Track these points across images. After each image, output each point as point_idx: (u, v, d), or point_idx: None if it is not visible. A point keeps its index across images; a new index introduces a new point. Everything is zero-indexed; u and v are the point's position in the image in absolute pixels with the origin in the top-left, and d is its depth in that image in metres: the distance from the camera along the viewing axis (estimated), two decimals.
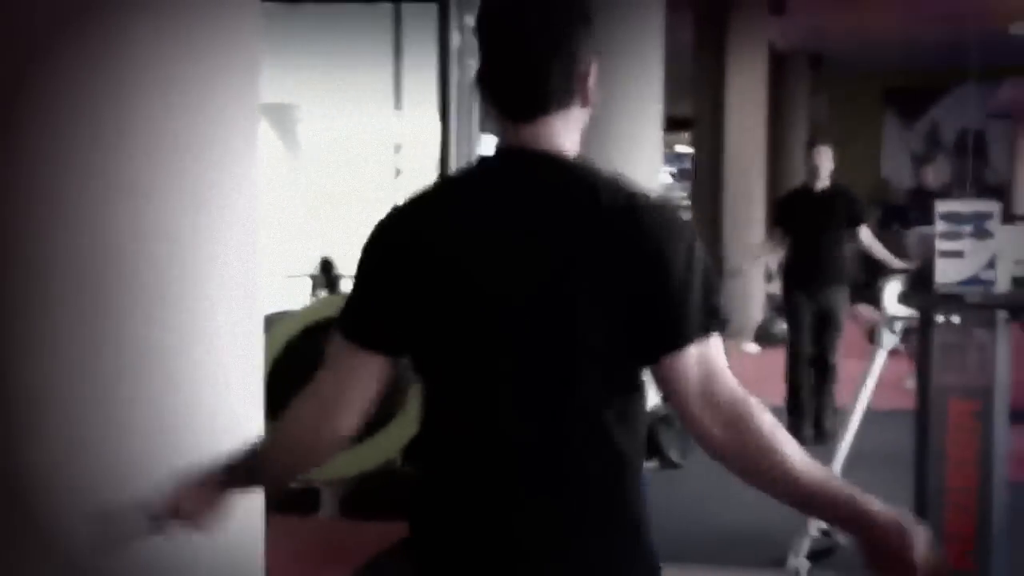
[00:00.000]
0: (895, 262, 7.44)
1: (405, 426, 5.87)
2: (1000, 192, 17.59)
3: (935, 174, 13.62)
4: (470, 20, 4.79)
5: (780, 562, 5.04)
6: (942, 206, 4.87)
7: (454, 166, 4.70)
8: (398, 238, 2.04)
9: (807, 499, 1.91)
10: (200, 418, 3.13)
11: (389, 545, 5.57)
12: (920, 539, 1.87)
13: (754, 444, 1.89)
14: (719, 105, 11.73)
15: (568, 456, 1.97)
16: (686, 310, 1.92)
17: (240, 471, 2.19)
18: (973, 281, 4.78)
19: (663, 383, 1.95)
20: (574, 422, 1.97)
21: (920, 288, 4.92)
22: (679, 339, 1.91)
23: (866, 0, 12.35)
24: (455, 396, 2.03)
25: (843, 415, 5.40)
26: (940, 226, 4.79)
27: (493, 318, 1.97)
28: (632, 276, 1.92)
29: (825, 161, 7.81)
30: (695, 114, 12.61)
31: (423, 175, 11.47)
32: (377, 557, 5.50)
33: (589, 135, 2.12)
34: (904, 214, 11.64)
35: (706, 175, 11.90)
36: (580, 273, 1.93)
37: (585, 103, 2.05)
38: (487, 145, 5.37)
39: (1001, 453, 4.83)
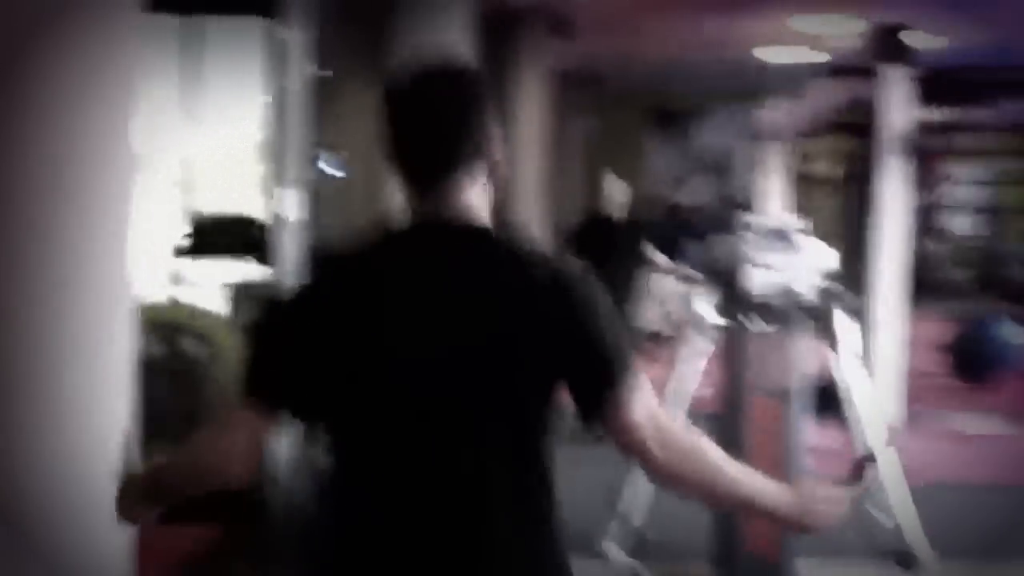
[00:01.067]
0: (688, 273, 7.90)
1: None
2: (751, 208, 18.58)
3: (688, 192, 14.41)
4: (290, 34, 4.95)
5: (593, 553, 5.36)
6: (754, 221, 5.30)
7: (286, 177, 4.87)
8: (315, 303, 2.11)
9: (745, 506, 2.15)
10: (74, 416, 3.19)
11: (195, 548, 5.67)
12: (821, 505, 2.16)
13: (705, 468, 2.09)
14: (504, 123, 12.09)
15: (488, 512, 2.08)
16: (621, 362, 2.09)
17: (133, 483, 2.22)
18: (780, 290, 5.22)
19: (616, 429, 2.09)
20: (495, 485, 2.07)
21: (731, 296, 5.32)
22: (621, 385, 2.08)
23: (635, 24, 12.92)
24: (372, 459, 2.11)
25: None
26: (752, 240, 5.21)
27: (417, 385, 2.06)
28: (564, 338, 2.06)
29: (617, 190, 8.23)
30: None
31: (211, 188, 11.47)
32: (185, 560, 5.58)
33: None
34: (661, 231, 12.23)
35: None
36: (507, 337, 2.05)
37: (492, 174, 2.16)
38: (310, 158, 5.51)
39: (802, 447, 5.29)
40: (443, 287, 2.08)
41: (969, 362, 10.05)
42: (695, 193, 17.54)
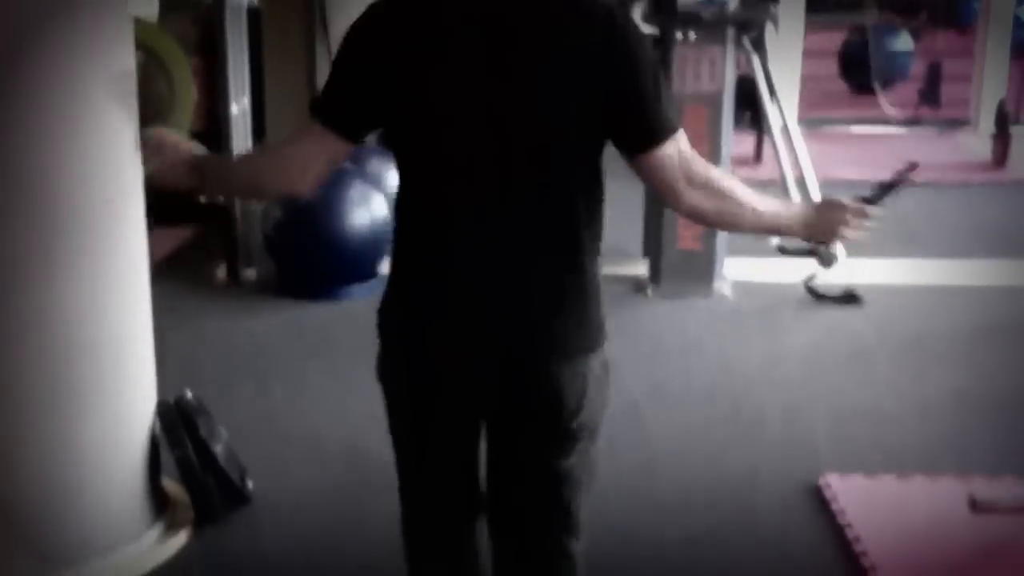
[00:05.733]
0: None
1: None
2: None
3: None
4: None
5: None
6: None
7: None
8: (380, 30, 2.19)
9: (765, 228, 2.39)
10: (103, 384, 3.30)
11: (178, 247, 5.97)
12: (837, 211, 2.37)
13: (729, 206, 2.26)
14: None
15: (538, 234, 2.22)
16: (663, 110, 2.20)
17: (216, 168, 2.46)
18: (708, 1, 5.49)
19: (650, 171, 2.23)
20: (544, 208, 2.21)
21: (662, 8, 5.57)
22: (664, 133, 2.20)
23: None
24: (433, 178, 2.23)
25: None
26: None
27: (472, 110, 2.16)
28: (611, 78, 2.15)
29: None
30: None
31: None
32: (170, 256, 5.92)
33: None
34: None
35: None
36: (560, 71, 2.14)
37: None
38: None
39: (727, 151, 5.67)
40: (502, 21, 2.16)
41: (857, 70, 10.48)
42: None
